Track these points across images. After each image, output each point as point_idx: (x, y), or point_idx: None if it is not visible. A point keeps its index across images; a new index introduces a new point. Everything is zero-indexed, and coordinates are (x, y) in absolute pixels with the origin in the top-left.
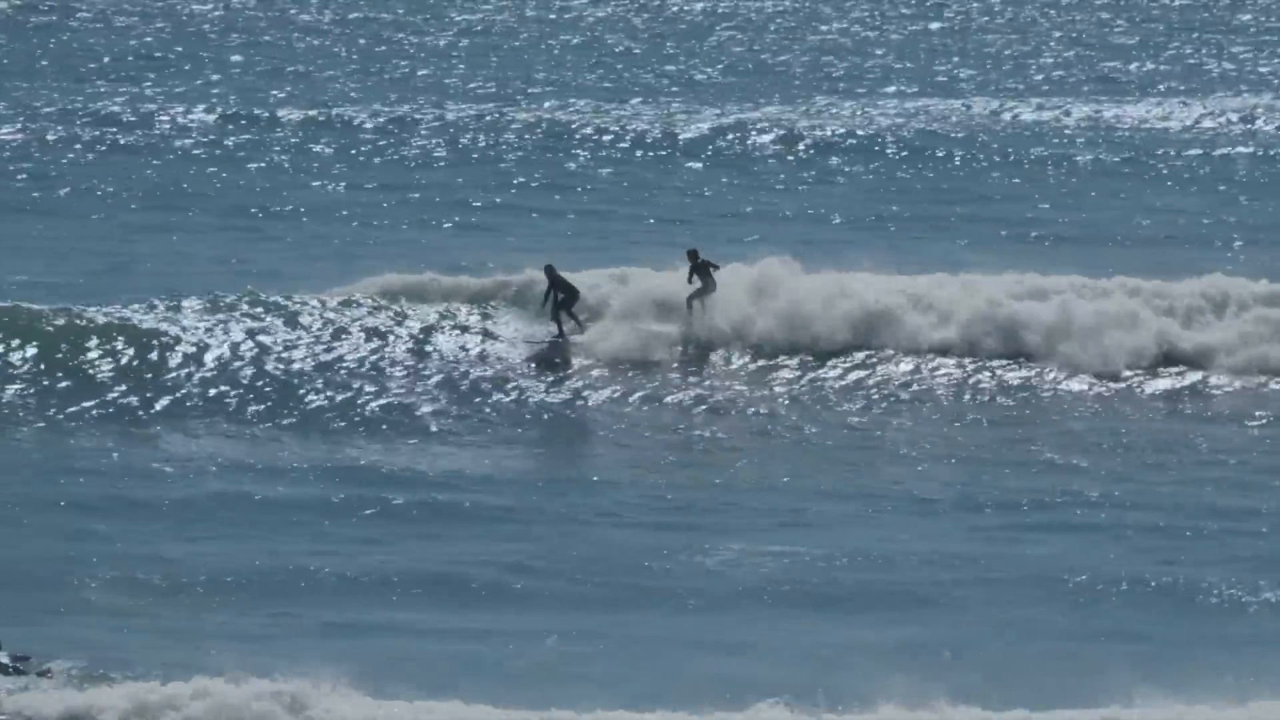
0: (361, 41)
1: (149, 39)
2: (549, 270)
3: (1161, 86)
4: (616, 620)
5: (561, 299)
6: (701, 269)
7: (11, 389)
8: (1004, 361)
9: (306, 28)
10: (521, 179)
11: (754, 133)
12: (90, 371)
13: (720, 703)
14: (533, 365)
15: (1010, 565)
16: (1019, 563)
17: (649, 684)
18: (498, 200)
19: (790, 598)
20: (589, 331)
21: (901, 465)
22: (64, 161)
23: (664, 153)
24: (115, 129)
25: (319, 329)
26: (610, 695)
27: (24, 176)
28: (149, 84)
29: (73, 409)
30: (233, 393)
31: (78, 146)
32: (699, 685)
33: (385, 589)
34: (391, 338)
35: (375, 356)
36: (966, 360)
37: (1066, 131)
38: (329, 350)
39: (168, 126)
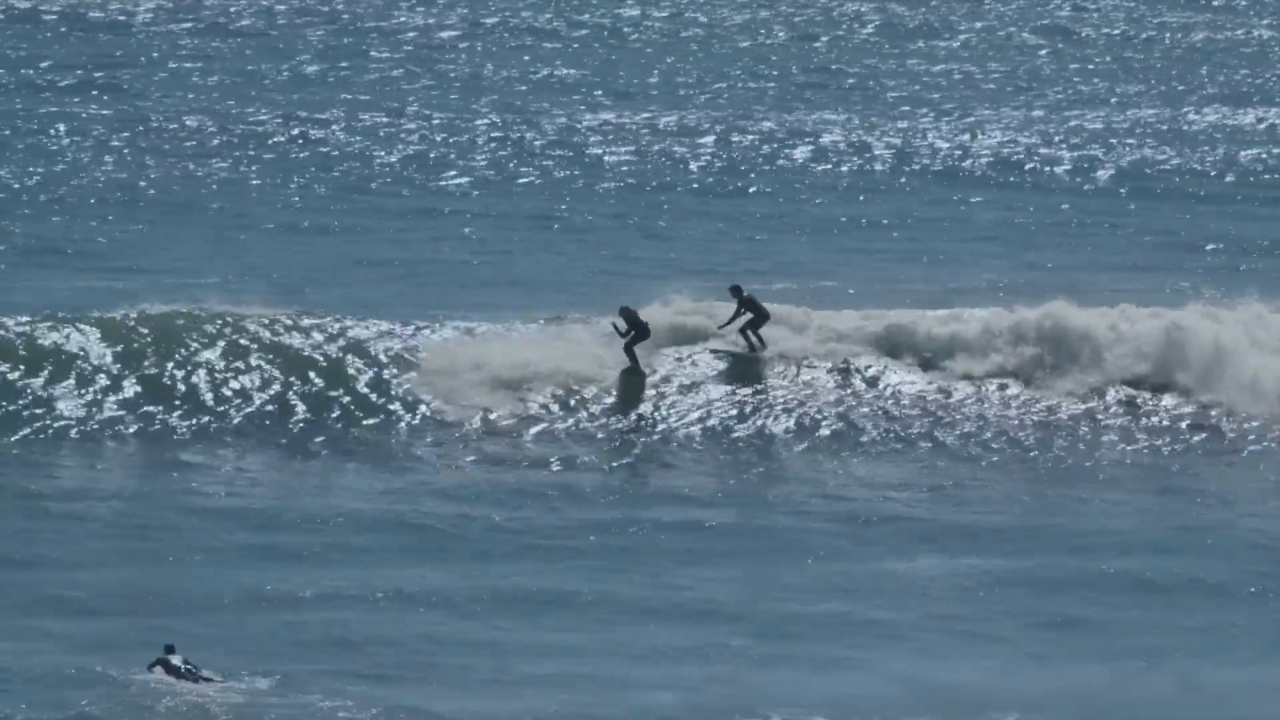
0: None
1: (359, 45)
2: (625, 311)
3: None
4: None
5: (632, 335)
6: (749, 302)
7: (153, 405)
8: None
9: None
10: (703, 193)
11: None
12: (260, 389)
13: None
14: (716, 391)
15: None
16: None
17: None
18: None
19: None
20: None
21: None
22: (268, 167)
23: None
24: (315, 129)
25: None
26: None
27: (208, 178)
28: (343, 89)
29: (225, 419)
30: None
31: (278, 149)
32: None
33: (577, 603)
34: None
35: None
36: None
37: None
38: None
39: (376, 132)
